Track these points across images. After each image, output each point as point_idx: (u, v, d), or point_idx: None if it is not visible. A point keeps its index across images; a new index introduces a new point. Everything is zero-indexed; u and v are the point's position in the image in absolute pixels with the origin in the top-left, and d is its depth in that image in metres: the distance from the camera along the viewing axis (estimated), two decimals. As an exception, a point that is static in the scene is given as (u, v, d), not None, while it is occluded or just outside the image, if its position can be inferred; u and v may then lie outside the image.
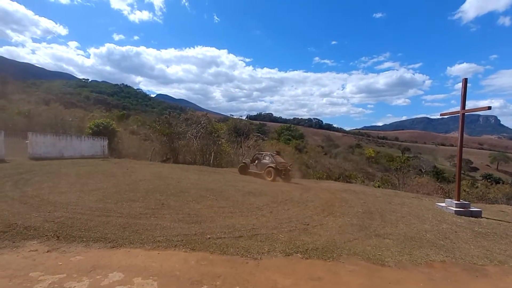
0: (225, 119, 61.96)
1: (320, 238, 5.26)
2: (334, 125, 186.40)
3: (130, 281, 3.36)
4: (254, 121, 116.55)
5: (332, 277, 3.78)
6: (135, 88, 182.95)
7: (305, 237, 5.24)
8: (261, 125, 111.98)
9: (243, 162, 16.86)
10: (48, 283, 3.22)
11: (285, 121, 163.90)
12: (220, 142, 23.76)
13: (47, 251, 4.08)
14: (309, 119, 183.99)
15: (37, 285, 3.16)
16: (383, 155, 55.27)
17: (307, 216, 6.87)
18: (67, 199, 6.94)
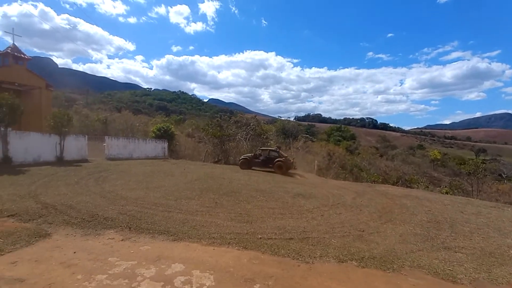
0: (273, 120, 62.34)
1: (378, 246, 4.90)
2: (391, 125, 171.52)
3: (190, 272, 3.63)
4: (303, 122, 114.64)
5: (392, 289, 3.49)
6: (190, 94, 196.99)
7: (360, 244, 4.95)
8: (310, 126, 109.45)
9: (245, 157, 17.43)
10: (123, 268, 3.68)
11: (334, 121, 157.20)
12: (269, 144, 23.99)
13: (121, 240, 4.67)
14: (362, 119, 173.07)
15: (114, 269, 3.64)
16: (452, 158, 48.71)
17: (362, 222, 6.47)
18: (136, 195, 7.84)
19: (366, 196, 10.10)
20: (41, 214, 5.75)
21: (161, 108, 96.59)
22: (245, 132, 23.59)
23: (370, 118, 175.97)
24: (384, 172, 23.21)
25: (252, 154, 17.95)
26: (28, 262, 3.73)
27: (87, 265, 3.71)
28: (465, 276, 3.89)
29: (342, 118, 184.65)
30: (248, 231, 5.33)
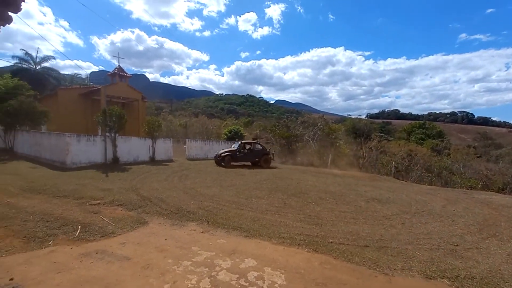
0: (342, 119, 59.01)
1: (478, 265, 4.12)
2: (493, 119, 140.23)
3: (262, 269, 3.78)
4: (376, 120, 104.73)
5: (500, 319, 2.88)
6: (257, 96, 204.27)
7: (453, 261, 4.25)
8: (385, 123, 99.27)
9: (228, 153, 15.76)
10: (203, 257, 4.11)
11: (416, 117, 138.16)
12: (337, 144, 22.86)
13: (201, 232, 5.20)
14: (453, 113, 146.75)
15: (197, 257, 4.09)
16: None
17: (455, 234, 5.53)
18: (212, 192, 8.61)
19: (460, 204, 8.58)
20: (140, 205, 6.90)
21: (231, 112, 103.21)
22: (312, 133, 23.09)
23: (463, 111, 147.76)
24: (485, 177, 19.17)
25: (235, 148, 16.49)
26: (132, 244, 4.54)
27: (175, 251, 4.28)
28: None
29: (426, 113, 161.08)
30: (318, 234, 5.22)
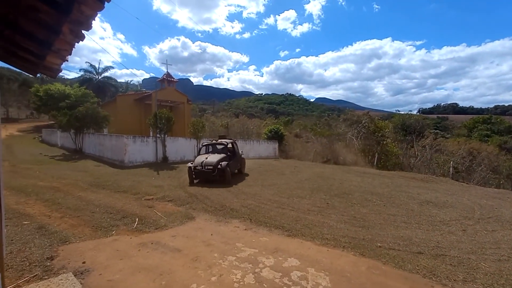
0: (390, 116, 54.93)
1: None
2: None
3: (305, 269, 3.75)
4: (429, 115, 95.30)
5: None
6: (297, 95, 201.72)
7: (529, 275, 3.68)
8: (440, 119, 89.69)
9: (206, 165, 9.77)
10: (247, 253, 4.22)
11: (478, 111, 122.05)
12: (385, 142, 21.37)
13: (245, 229, 5.35)
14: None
15: (241, 253, 4.23)
16: None
17: (533, 245, 4.77)
18: (253, 191, 8.77)
19: (538, 211, 7.35)
20: (188, 201, 7.36)
21: (271, 111, 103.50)
22: (356, 131, 21.97)
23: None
24: None
25: (206, 150, 11.70)
26: (182, 237, 4.87)
27: (220, 246, 4.48)
28: None
29: (491, 106, 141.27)
30: (365, 237, 4.97)
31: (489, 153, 21.00)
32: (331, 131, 23.25)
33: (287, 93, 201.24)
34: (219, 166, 9.67)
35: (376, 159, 19.71)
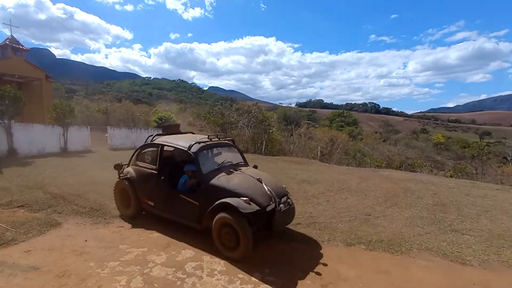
0: (275, 107, 61.90)
1: (385, 230, 4.92)
2: (394, 109, 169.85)
3: (200, 258, 3.67)
4: (304, 109, 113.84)
5: (401, 272, 3.52)
6: (190, 82, 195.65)
7: (367, 228, 4.97)
8: (311, 112, 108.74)
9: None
10: (134, 254, 3.73)
11: (336, 107, 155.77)
12: (271, 131, 23.90)
13: (131, 228, 4.72)
14: (364, 104, 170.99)
15: (126, 256, 3.69)
16: (455, 141, 48.40)
17: (368, 206, 6.49)
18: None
19: (370, 181, 10.10)
20: (50, 204, 5.80)
21: (161, 97, 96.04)
22: (247, 120, 23.47)
23: (372, 102, 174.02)
24: (387, 157, 23.15)
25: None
26: (41, 250, 3.79)
27: (98, 252, 3.77)
28: (474, 257, 3.91)
29: (344, 103, 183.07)
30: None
31: (343, 139, 27.16)
32: (224, 120, 23.88)
33: (179, 79, 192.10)
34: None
35: (264, 146, 21.80)
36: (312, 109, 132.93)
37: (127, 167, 5.29)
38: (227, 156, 4.97)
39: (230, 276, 3.28)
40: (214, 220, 3.70)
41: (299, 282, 3.22)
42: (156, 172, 4.65)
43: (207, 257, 3.69)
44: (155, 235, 4.42)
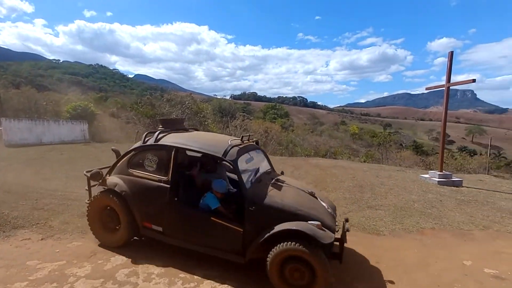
0: (209, 99, 60.66)
1: (316, 212, 5.40)
2: (319, 103, 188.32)
3: (134, 263, 3.32)
4: (239, 101, 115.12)
5: (332, 248, 3.92)
6: (111, 68, 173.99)
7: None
8: (246, 104, 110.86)
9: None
10: (48, 270, 3.12)
11: (269, 100, 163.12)
12: (206, 123, 23.38)
13: (41, 239, 3.93)
14: (294, 98, 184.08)
15: (36, 273, 3.06)
16: (366, 132, 56.80)
17: (301, 192, 7.00)
18: (53, 185, 6.65)
19: (302, 168, 10.94)
20: None
21: (75, 84, 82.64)
22: (180, 111, 22.35)
23: (301, 96, 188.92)
24: (315, 147, 25.53)
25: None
26: None
27: (-5, 275, 3.01)
28: (385, 228, 4.66)
29: (276, 96, 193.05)
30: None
31: (276, 131, 28.61)
32: (155, 111, 22.17)
33: (97, 64, 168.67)
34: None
35: (199, 138, 21.23)
36: (247, 101, 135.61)
37: (109, 175, 3.84)
38: (258, 162, 3.92)
39: (170, 278, 3.07)
40: (274, 253, 2.80)
41: (244, 274, 3.24)
42: (167, 185, 3.36)
43: (142, 261, 3.37)
44: (75, 244, 3.79)
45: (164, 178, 3.40)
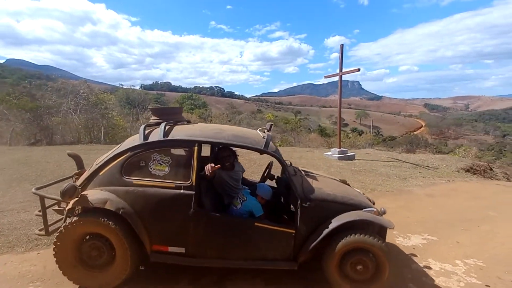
0: (114, 89, 53.40)
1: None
2: (236, 93, 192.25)
3: None
4: (151, 91, 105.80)
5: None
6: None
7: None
8: (159, 95, 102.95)
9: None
10: None
11: (185, 90, 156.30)
12: (110, 115, 20.40)
13: None
14: (211, 87, 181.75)
15: None
16: (280, 119, 61.49)
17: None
18: None
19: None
20: None
21: None
22: (73, 102, 18.75)
23: (218, 86, 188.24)
24: (234, 135, 25.93)
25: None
26: None
27: None
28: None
29: (192, 86, 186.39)
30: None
31: (195, 121, 27.68)
32: (37, 103, 17.89)
33: None
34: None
35: (102, 134, 18.33)
36: (160, 92, 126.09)
37: (87, 189, 2.70)
38: None
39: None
40: (337, 248, 2.55)
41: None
42: (191, 191, 2.61)
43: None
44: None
45: (186, 183, 2.63)
